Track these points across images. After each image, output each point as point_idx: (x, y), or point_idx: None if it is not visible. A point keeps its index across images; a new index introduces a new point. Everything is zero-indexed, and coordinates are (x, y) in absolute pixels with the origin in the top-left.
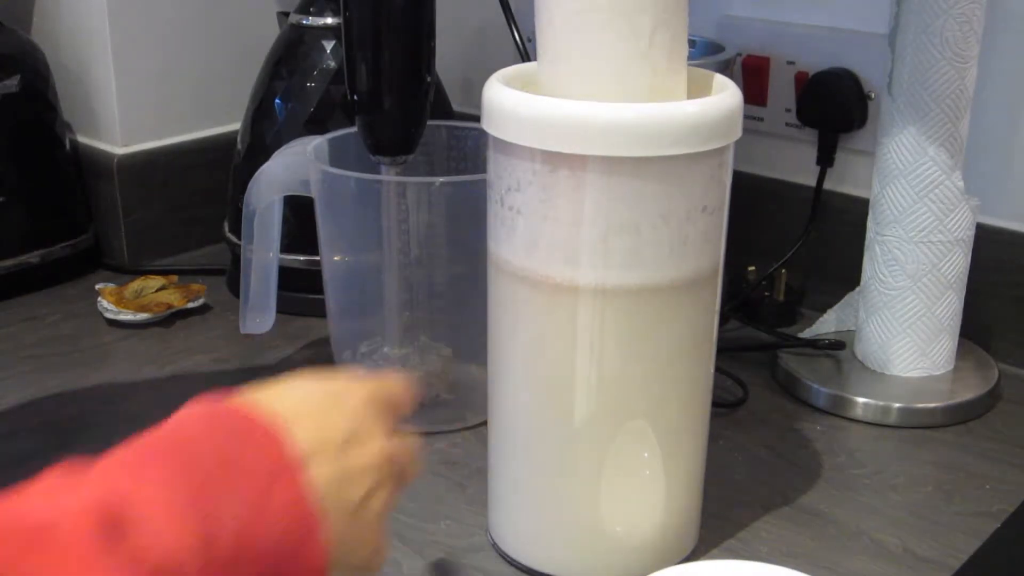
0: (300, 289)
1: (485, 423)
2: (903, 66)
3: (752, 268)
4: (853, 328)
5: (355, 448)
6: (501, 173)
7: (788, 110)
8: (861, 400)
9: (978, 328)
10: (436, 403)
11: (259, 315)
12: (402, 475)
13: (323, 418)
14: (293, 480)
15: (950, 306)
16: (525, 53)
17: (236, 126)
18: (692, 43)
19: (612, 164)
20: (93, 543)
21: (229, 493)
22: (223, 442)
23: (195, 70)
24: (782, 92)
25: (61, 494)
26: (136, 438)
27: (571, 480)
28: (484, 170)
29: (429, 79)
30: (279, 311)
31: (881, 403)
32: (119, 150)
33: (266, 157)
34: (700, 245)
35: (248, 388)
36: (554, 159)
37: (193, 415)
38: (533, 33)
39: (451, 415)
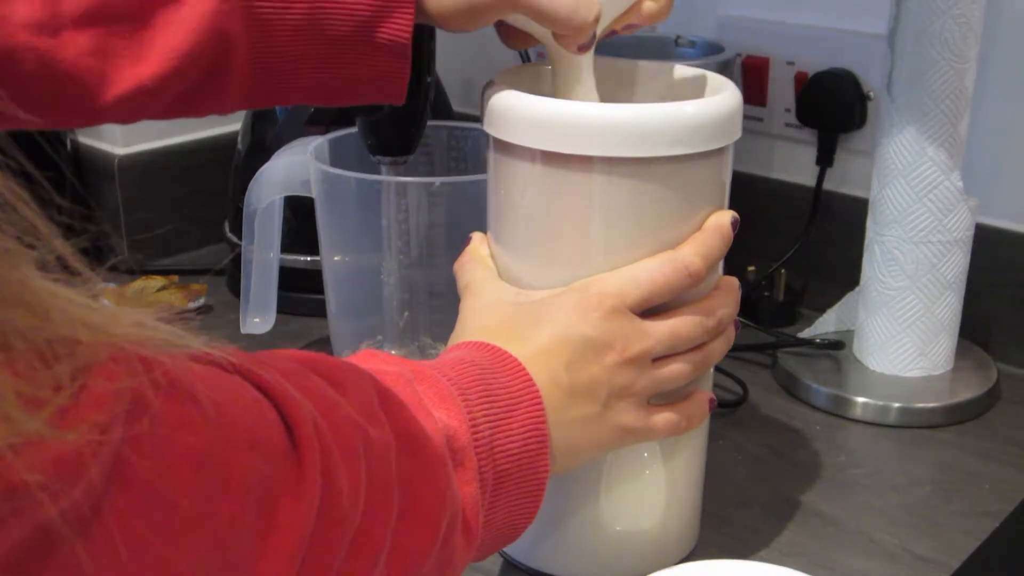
0: (300, 289)
1: None
2: (902, 66)
3: (752, 268)
4: (852, 328)
5: (585, 367)
6: (501, 174)
7: (788, 110)
8: (860, 400)
9: (977, 328)
10: None
11: (259, 315)
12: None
13: (553, 354)
14: (533, 401)
15: (949, 306)
16: (525, 53)
17: (236, 126)
18: (692, 43)
19: (613, 164)
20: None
21: (487, 401)
22: (487, 363)
23: None
24: (782, 92)
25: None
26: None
27: (571, 480)
28: (484, 170)
29: (429, 79)
30: (279, 311)
31: (880, 403)
32: (120, 150)
33: (266, 157)
34: None
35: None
36: (554, 159)
37: (465, 345)
38: None
39: None
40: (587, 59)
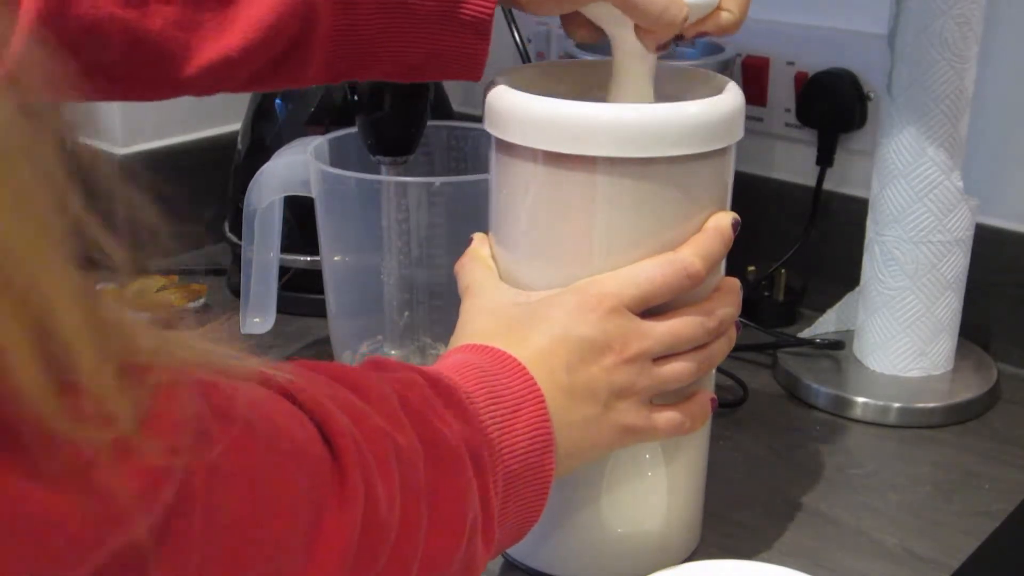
0: (300, 289)
1: None
2: (902, 66)
3: (752, 268)
4: (853, 328)
5: (584, 367)
6: (503, 174)
7: (788, 110)
8: (860, 400)
9: (977, 328)
10: None
11: (259, 315)
12: (656, 376)
13: (552, 355)
14: (536, 402)
15: (949, 306)
16: (525, 53)
17: (236, 126)
18: (692, 43)
19: (615, 165)
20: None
21: (492, 403)
22: (488, 365)
23: None
24: (782, 92)
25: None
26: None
27: (573, 481)
28: (484, 170)
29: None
30: (279, 311)
31: (880, 403)
32: (120, 150)
33: (266, 157)
34: None
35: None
36: (556, 160)
37: (464, 348)
38: (533, 33)
39: None
40: (650, 63)
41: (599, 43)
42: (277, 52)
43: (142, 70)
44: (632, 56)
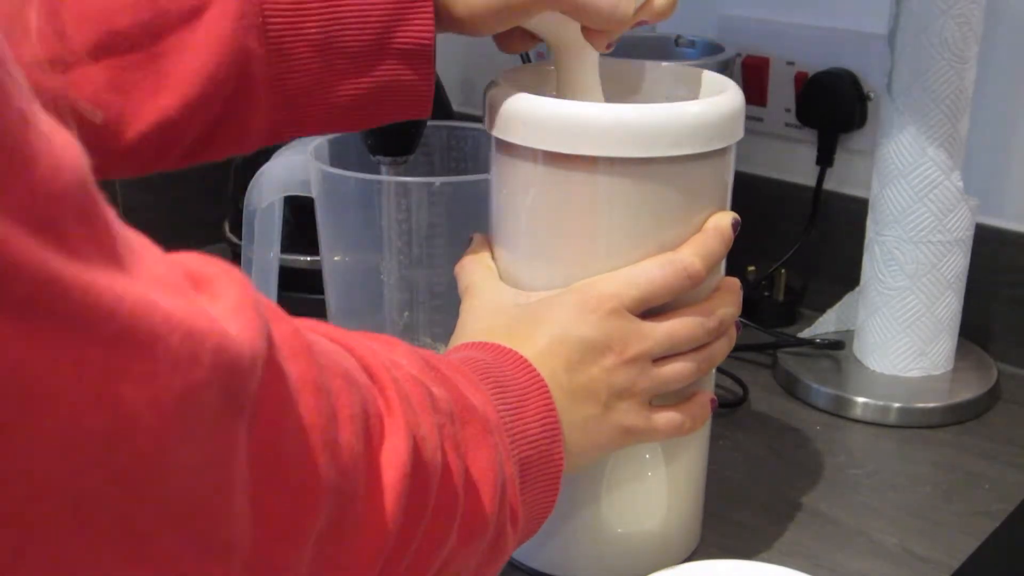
0: (300, 289)
1: None
2: (902, 66)
3: (752, 268)
4: (852, 328)
5: (584, 368)
6: (503, 174)
7: (788, 110)
8: (860, 400)
9: (977, 328)
10: None
11: None
12: (657, 378)
13: (552, 356)
14: (542, 393)
15: (949, 306)
16: (526, 54)
17: None
18: (692, 43)
19: (615, 165)
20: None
21: (499, 392)
22: (492, 360)
23: None
24: (782, 92)
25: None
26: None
27: (573, 482)
28: (484, 170)
29: None
30: None
31: (880, 403)
32: None
33: (266, 157)
34: None
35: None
36: (557, 160)
37: (466, 346)
38: None
39: None
40: (596, 60)
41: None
42: (217, 108)
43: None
44: (574, 59)
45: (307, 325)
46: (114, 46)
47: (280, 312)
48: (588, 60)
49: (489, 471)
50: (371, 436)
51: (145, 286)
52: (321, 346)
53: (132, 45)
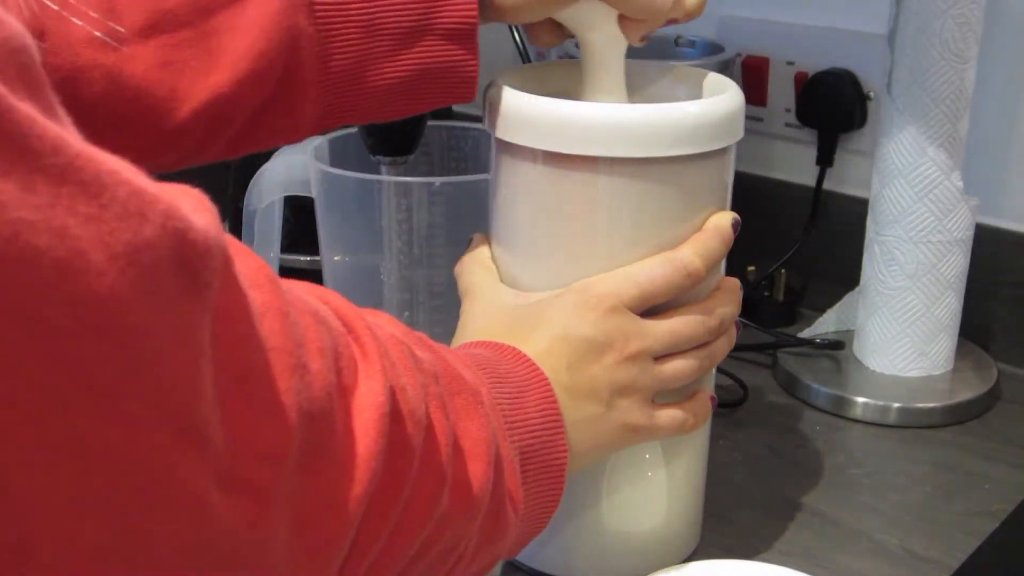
0: None
1: None
2: (902, 66)
3: (752, 268)
4: (852, 328)
5: (585, 367)
6: (503, 174)
7: (788, 110)
8: (860, 400)
9: (977, 328)
10: None
11: None
12: (657, 377)
13: (553, 355)
14: (543, 385)
15: (949, 306)
16: (525, 53)
17: None
18: (692, 43)
19: (615, 165)
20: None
21: (498, 383)
22: (492, 355)
23: None
24: (782, 92)
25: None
26: None
27: (574, 482)
28: (484, 170)
29: None
30: None
31: (880, 403)
32: None
33: (266, 157)
34: None
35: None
36: (557, 160)
37: (467, 344)
38: None
39: None
40: (623, 60)
41: None
42: (269, 88)
43: (131, 119)
44: (606, 56)
45: (283, 281)
46: (164, 24)
47: (246, 248)
48: (616, 58)
49: (481, 442)
50: (343, 375)
51: (93, 149)
52: (290, 287)
53: (182, 23)
